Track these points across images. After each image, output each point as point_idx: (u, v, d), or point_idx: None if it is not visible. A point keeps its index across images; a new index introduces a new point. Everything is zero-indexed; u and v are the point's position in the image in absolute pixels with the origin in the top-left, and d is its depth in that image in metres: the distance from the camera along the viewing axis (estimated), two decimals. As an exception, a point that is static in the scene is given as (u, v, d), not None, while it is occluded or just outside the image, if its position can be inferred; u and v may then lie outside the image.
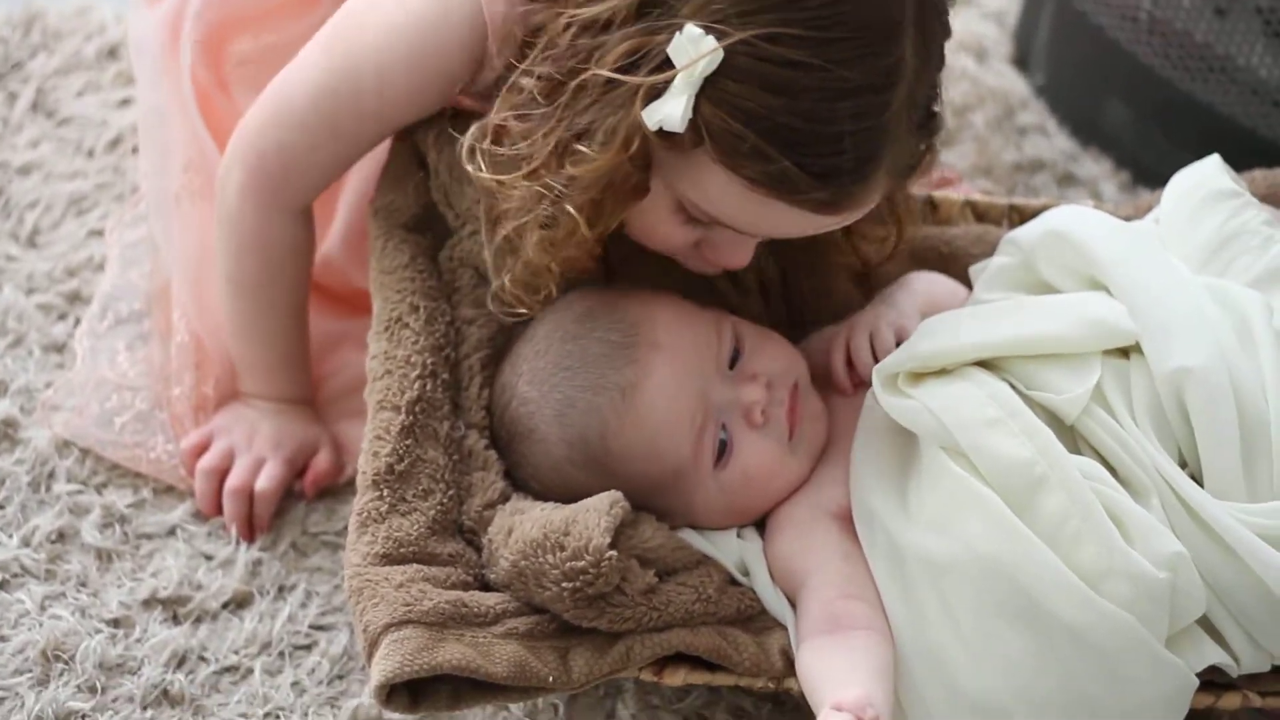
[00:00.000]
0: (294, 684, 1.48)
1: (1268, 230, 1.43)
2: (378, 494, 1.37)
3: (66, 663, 1.47)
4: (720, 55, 1.25)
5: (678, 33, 1.26)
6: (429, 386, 1.43)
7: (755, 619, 1.38)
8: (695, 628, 1.35)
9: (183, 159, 1.66)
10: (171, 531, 1.58)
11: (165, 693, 1.47)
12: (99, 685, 1.46)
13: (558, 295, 1.42)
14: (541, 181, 1.33)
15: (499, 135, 1.37)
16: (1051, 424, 1.33)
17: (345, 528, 1.52)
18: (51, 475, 1.61)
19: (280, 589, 1.55)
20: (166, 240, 1.66)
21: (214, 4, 1.67)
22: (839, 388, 1.48)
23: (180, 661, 1.49)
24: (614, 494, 1.34)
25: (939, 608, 1.30)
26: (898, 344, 1.43)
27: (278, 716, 1.46)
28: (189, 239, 1.65)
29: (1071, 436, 1.35)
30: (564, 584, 1.30)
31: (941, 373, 1.38)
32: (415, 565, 1.34)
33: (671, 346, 1.38)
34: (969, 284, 1.52)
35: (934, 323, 1.41)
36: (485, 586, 1.37)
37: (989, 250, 1.54)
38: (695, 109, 1.27)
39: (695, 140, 1.28)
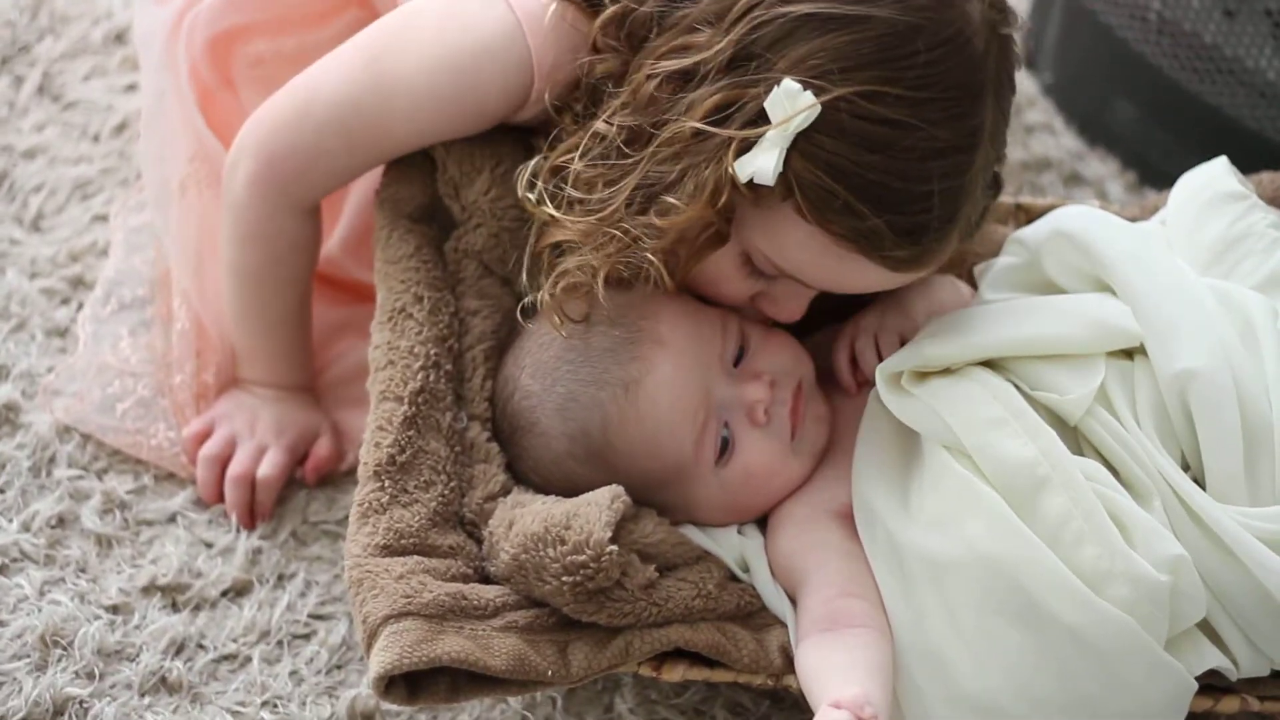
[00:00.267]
0: (292, 673, 1.48)
1: (1274, 233, 1.43)
2: (379, 485, 1.37)
3: (65, 648, 1.47)
4: (818, 110, 1.25)
5: (775, 87, 1.26)
6: (432, 378, 1.43)
7: (755, 616, 1.38)
8: (695, 623, 1.35)
9: (187, 150, 1.65)
10: (172, 518, 1.58)
11: (163, 680, 1.47)
12: (97, 671, 1.46)
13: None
14: (620, 226, 1.33)
15: (557, 171, 1.37)
16: (1054, 425, 1.33)
17: (345, 517, 1.52)
18: (52, 460, 1.61)
19: (280, 578, 1.55)
20: (166, 228, 1.66)
21: (227, 10, 1.67)
22: (843, 387, 1.47)
23: (179, 649, 1.49)
24: (615, 488, 1.34)
25: (939, 607, 1.30)
26: (902, 343, 1.43)
27: (275, 705, 1.46)
28: (190, 227, 1.64)
29: (1074, 437, 1.35)
30: (564, 578, 1.30)
31: (946, 372, 1.38)
32: (416, 557, 1.34)
33: (676, 343, 1.38)
34: (974, 283, 1.52)
35: (939, 322, 1.41)
36: (486, 579, 1.37)
37: (994, 249, 1.54)
38: (785, 163, 1.27)
39: (784, 194, 1.28)
